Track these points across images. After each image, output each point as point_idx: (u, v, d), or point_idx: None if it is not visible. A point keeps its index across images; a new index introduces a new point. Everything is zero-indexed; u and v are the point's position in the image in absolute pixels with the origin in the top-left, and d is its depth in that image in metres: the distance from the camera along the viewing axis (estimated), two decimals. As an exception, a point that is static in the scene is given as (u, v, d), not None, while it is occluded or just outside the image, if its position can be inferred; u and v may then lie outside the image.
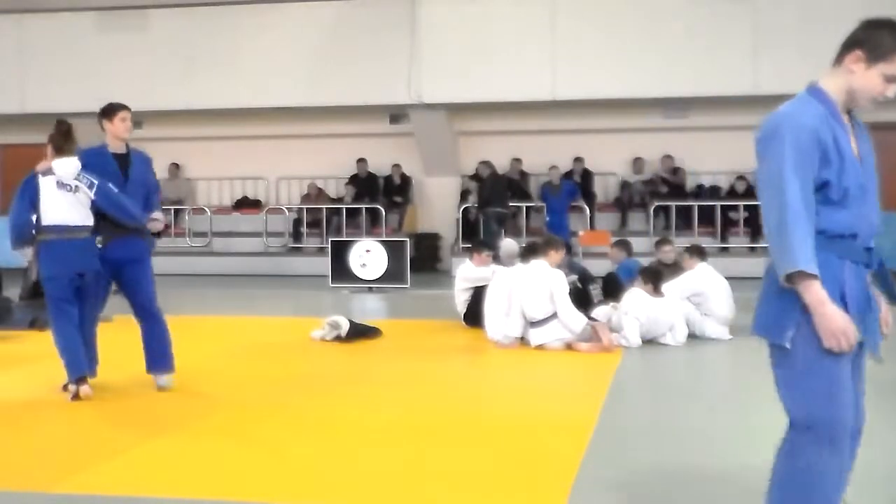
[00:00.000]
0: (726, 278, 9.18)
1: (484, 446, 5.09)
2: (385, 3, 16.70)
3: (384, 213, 16.83)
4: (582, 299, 9.09)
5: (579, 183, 17.00)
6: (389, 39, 16.58)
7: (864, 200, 2.98)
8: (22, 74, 17.91)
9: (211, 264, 17.37)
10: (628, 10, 15.93)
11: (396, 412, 5.94)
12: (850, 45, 2.97)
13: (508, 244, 10.57)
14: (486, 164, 16.55)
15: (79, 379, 6.16)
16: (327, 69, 16.75)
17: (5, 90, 17.87)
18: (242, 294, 14.17)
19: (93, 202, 6.25)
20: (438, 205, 17.92)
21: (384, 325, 9.45)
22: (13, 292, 10.23)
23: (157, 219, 6.64)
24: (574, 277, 9.58)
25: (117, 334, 7.58)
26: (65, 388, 6.28)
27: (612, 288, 9.68)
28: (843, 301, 2.92)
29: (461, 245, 16.15)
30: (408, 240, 14.71)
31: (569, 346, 8.16)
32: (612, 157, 17.41)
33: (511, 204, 16.10)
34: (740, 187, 16.21)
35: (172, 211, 17.36)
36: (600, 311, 8.85)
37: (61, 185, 6.21)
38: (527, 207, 16.82)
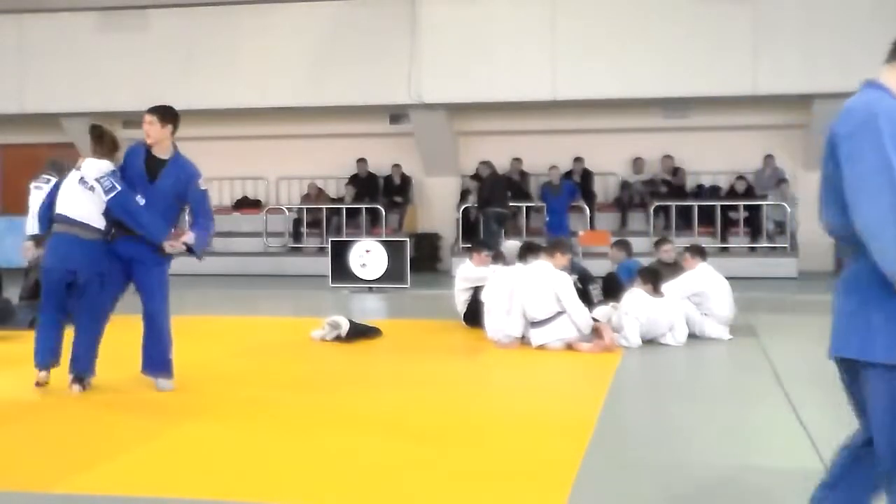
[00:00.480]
0: (726, 278, 9.17)
1: (484, 446, 5.09)
2: (385, 3, 16.70)
3: (384, 213, 16.82)
4: (582, 299, 9.08)
5: (579, 183, 16.98)
6: (389, 39, 16.58)
7: None
8: (22, 74, 17.90)
9: (211, 264, 17.32)
10: (628, 10, 15.93)
11: (396, 412, 5.94)
12: None
13: (512, 245, 10.58)
14: (486, 164, 16.54)
15: (41, 367, 6.42)
16: (327, 69, 16.75)
17: (5, 90, 17.85)
18: (242, 294, 14.17)
19: (107, 206, 6.31)
20: (438, 205, 17.91)
21: (384, 325, 9.44)
22: (13, 292, 10.22)
23: (177, 246, 6.42)
24: (574, 277, 9.57)
25: (117, 334, 7.57)
26: (53, 383, 6.41)
27: (612, 288, 9.67)
28: None
29: (461, 245, 16.14)
30: (408, 240, 14.72)
31: (569, 347, 8.17)
32: (612, 157, 17.38)
33: (511, 204, 16.08)
34: (740, 187, 16.19)
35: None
36: (600, 311, 8.83)
37: (82, 181, 6.40)
38: (527, 207, 16.81)
